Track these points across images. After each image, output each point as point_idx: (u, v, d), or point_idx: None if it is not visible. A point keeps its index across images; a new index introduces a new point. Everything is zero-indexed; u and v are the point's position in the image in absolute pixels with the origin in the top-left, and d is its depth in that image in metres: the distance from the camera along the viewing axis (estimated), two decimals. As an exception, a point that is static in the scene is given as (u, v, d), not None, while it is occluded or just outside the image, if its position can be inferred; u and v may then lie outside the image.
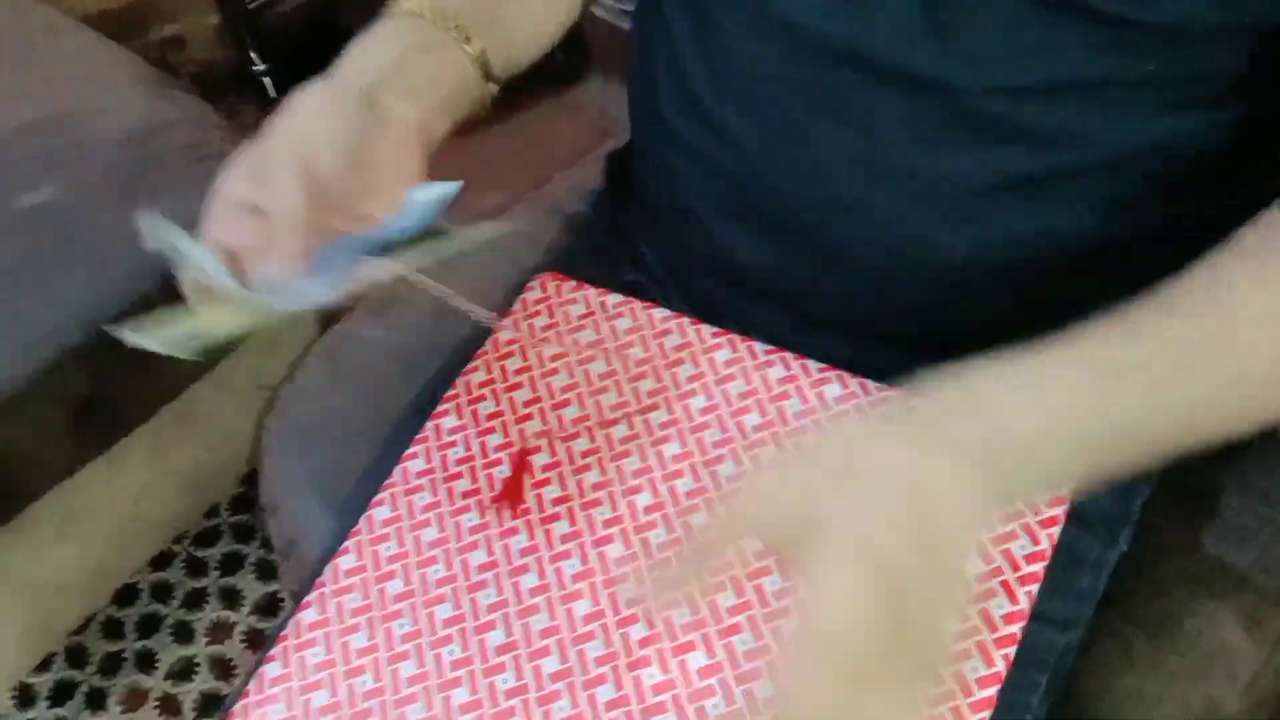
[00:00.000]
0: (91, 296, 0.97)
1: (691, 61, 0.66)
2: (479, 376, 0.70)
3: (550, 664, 0.58)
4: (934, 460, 0.44)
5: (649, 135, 0.74)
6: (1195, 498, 0.73)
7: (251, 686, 0.62)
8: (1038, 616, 0.58)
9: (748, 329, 0.69)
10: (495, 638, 0.60)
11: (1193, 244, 0.61)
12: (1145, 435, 0.48)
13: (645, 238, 0.80)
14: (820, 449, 0.47)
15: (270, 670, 0.62)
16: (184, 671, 1.30)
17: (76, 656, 1.31)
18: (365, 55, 0.58)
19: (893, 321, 0.66)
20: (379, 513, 0.66)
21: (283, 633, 0.63)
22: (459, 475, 0.66)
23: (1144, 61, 0.54)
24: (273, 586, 1.34)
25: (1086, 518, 0.64)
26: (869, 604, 0.40)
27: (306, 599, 0.64)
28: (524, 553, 0.62)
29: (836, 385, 0.64)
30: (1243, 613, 0.68)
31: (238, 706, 0.61)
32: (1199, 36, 0.53)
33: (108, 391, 1.02)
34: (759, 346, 0.67)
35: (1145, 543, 0.68)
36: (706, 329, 0.69)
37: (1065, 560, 0.62)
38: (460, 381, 0.71)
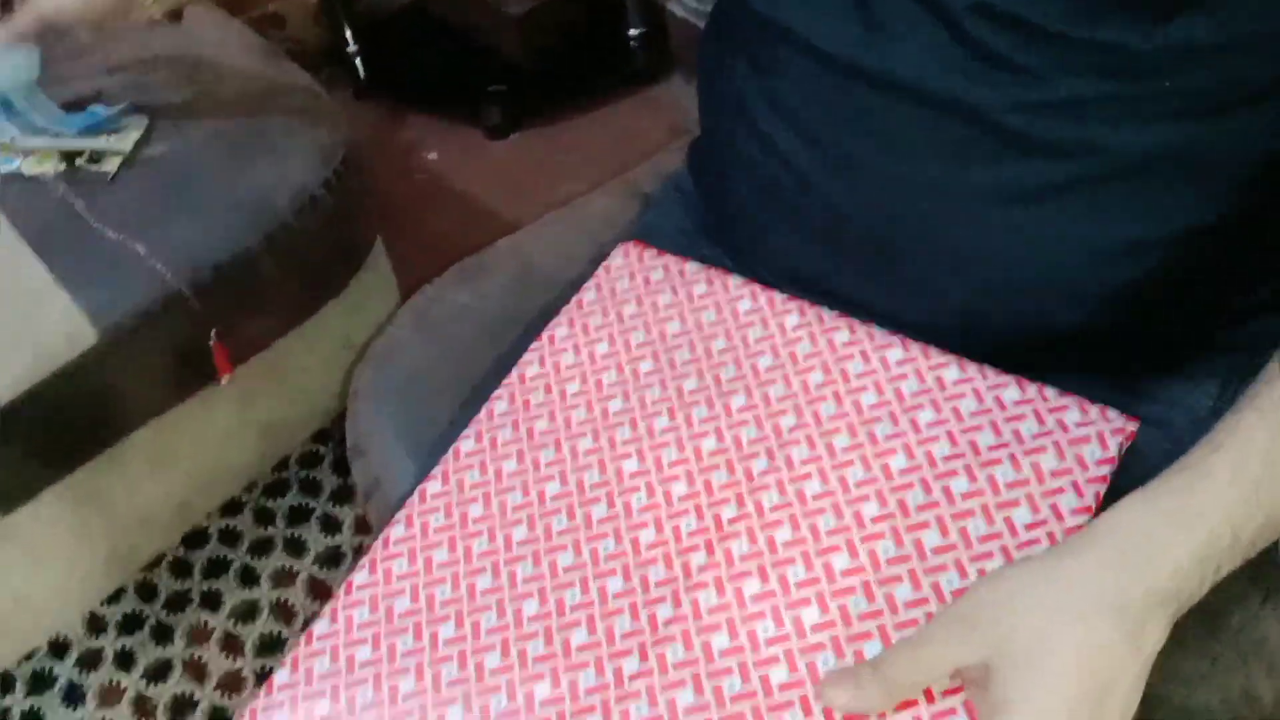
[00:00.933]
0: (199, 247, 1.01)
1: (747, 82, 0.72)
2: (562, 331, 0.74)
3: (614, 584, 0.62)
4: (1106, 634, 0.48)
5: (714, 145, 0.79)
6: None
7: (339, 592, 0.66)
8: None
9: None
10: (565, 558, 0.63)
11: (1232, 239, 0.63)
12: None
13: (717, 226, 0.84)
14: (983, 614, 0.50)
15: (358, 578, 0.66)
16: (247, 613, 1.34)
17: (146, 591, 1.36)
18: None
19: (943, 326, 0.68)
20: (465, 445, 0.70)
21: (370, 544, 0.68)
22: (539, 416, 0.70)
23: (1159, 78, 0.57)
24: (336, 540, 1.39)
25: None
26: None
27: (394, 517, 0.69)
28: (595, 486, 0.66)
29: (899, 349, 0.67)
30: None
31: (326, 609, 0.66)
32: (1209, 52, 0.55)
33: (206, 337, 1.06)
34: (826, 313, 0.70)
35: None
36: (778, 295, 0.72)
37: None
38: (545, 334, 0.75)
